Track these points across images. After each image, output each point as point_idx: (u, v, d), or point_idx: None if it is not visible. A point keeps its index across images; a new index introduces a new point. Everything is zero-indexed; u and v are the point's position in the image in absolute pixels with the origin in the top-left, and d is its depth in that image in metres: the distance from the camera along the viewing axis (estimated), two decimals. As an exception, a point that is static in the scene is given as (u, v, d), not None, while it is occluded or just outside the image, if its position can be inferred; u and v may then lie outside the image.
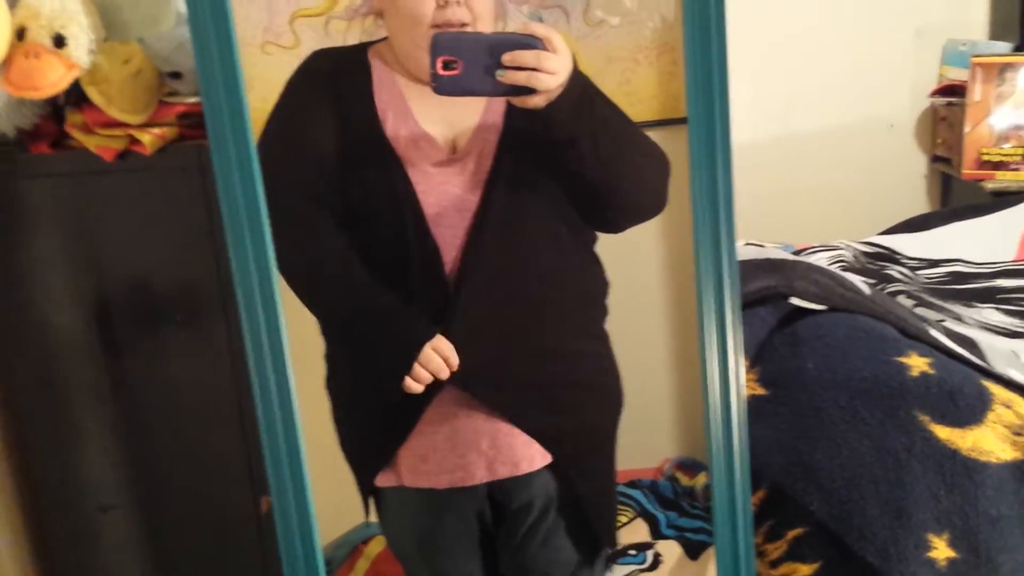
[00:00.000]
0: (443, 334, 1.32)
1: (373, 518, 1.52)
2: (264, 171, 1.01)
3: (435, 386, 1.34)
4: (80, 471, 1.80)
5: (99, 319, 1.72)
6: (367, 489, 1.46)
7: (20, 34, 1.37)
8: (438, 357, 1.30)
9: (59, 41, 1.36)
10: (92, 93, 1.51)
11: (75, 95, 1.54)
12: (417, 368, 1.29)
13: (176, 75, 1.58)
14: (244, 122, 1.04)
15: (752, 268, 1.71)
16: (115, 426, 1.77)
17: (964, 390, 1.47)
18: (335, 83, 1.36)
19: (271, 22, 2.16)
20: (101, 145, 1.58)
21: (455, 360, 1.31)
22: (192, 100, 1.60)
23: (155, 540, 1.84)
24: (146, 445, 1.78)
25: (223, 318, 1.66)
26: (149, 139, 1.56)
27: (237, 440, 1.73)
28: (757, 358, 1.59)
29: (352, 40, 2.12)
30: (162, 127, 1.59)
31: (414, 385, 1.30)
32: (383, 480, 1.43)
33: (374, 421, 1.41)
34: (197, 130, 1.62)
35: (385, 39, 1.41)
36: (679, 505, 2.39)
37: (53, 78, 1.37)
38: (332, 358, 1.46)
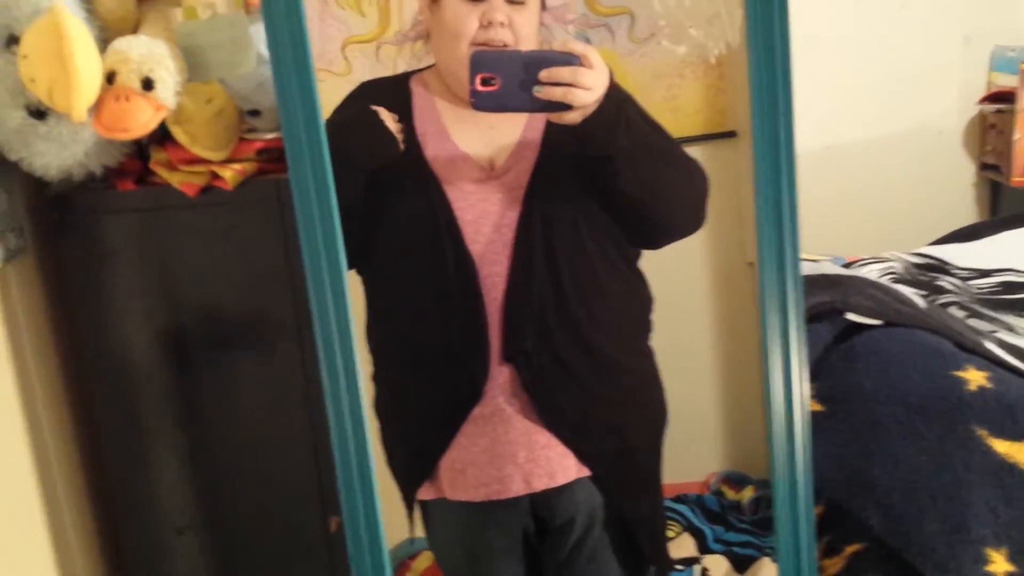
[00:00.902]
0: (486, 347, 1.32)
1: (419, 533, 1.52)
2: None
3: (473, 398, 1.34)
4: (156, 494, 1.82)
5: (177, 348, 1.75)
6: (411, 502, 1.46)
7: (110, 78, 1.41)
8: None
9: (148, 84, 1.40)
10: (176, 132, 1.55)
11: (159, 134, 1.58)
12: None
13: (255, 113, 1.62)
14: (322, 155, 1.06)
15: (808, 283, 1.69)
16: (190, 450, 1.79)
17: (1022, 403, 1.44)
18: (377, 105, 1.38)
19: (323, 49, 2.19)
20: (184, 181, 1.61)
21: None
22: (270, 136, 1.63)
23: (228, 561, 1.85)
24: (220, 468, 1.80)
25: (298, 346, 1.68)
26: (230, 175, 1.60)
27: (308, 462, 1.74)
28: (814, 374, 1.57)
29: (402, 65, 2.15)
30: (242, 163, 1.62)
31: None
32: (425, 493, 1.43)
33: (417, 434, 1.42)
34: (275, 164, 1.64)
35: (430, 67, 1.43)
36: (726, 519, 2.36)
37: (143, 120, 1.40)
38: (379, 378, 1.46)
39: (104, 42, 1.48)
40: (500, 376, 1.33)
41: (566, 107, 1.16)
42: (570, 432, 1.36)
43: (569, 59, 1.16)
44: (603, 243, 1.36)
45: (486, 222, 1.32)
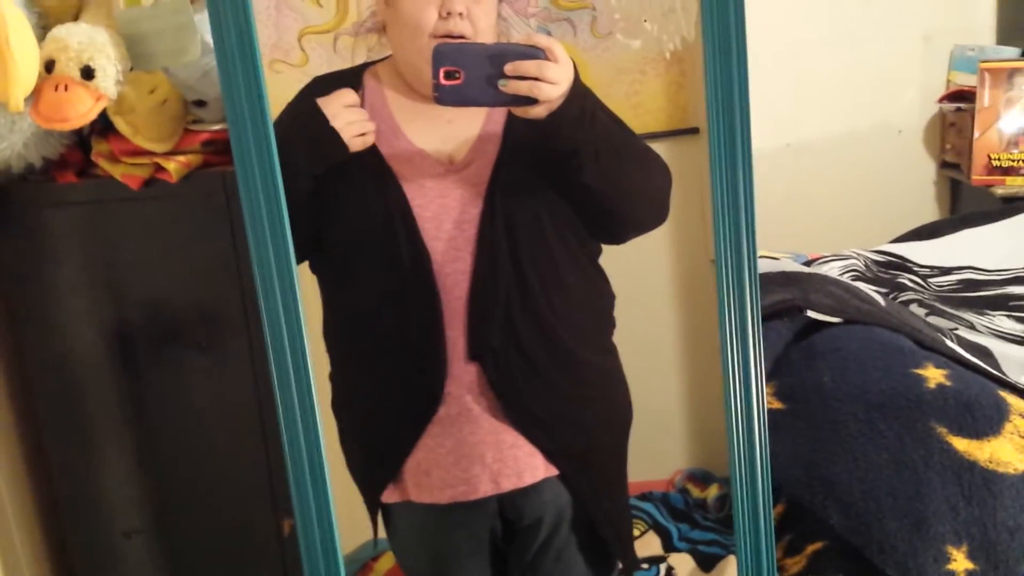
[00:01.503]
0: (448, 343, 1.31)
1: (382, 534, 1.51)
2: None
3: (433, 400, 1.32)
4: (104, 496, 1.80)
5: (123, 345, 1.72)
6: (375, 505, 1.45)
7: (49, 66, 1.38)
8: None
9: (87, 73, 1.36)
10: (119, 123, 1.52)
11: (101, 124, 1.55)
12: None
13: (201, 103, 1.59)
14: (270, 146, 1.05)
15: (766, 281, 1.70)
16: (139, 451, 1.77)
17: (981, 401, 1.46)
18: None
19: (280, 39, 2.17)
20: (127, 173, 1.58)
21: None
22: (216, 127, 1.60)
23: (179, 564, 1.83)
24: (169, 469, 1.78)
25: (246, 342, 1.66)
26: (175, 167, 1.57)
27: (260, 463, 1.72)
28: (774, 372, 1.58)
29: (360, 56, 2.13)
30: (187, 155, 1.60)
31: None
32: (389, 496, 1.42)
33: (378, 436, 1.40)
34: (221, 156, 1.62)
35: (386, 59, 1.41)
36: (691, 517, 2.38)
37: (82, 109, 1.37)
38: (337, 377, 1.45)
39: (44, 29, 1.45)
40: (466, 375, 1.32)
41: (531, 101, 1.16)
42: (537, 430, 1.36)
43: (534, 52, 1.15)
44: (566, 237, 1.36)
45: (447, 218, 1.31)
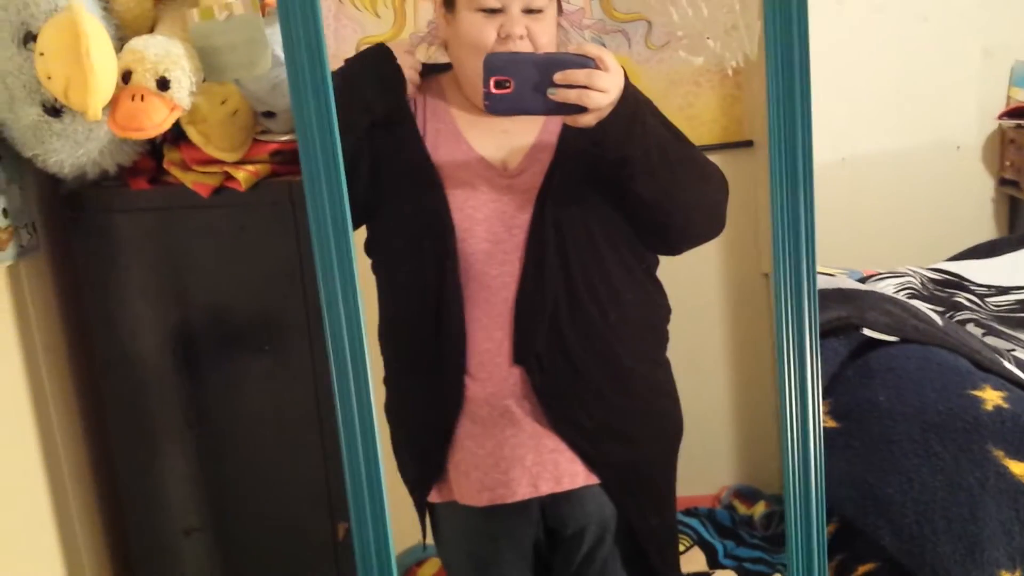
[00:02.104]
0: (499, 347, 1.32)
1: (428, 539, 1.51)
2: None
3: (456, 404, 1.33)
4: (165, 495, 1.82)
5: (189, 347, 1.74)
6: (422, 506, 1.46)
7: (126, 77, 1.41)
8: None
9: (163, 84, 1.40)
10: (191, 132, 1.55)
11: (173, 133, 1.58)
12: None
13: (270, 115, 1.61)
14: (336, 158, 1.06)
15: (823, 298, 1.68)
16: (199, 451, 1.79)
17: (1040, 425, 1.42)
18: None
19: (337, 49, 2.19)
20: (198, 181, 1.61)
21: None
22: (284, 138, 1.63)
23: (235, 563, 1.85)
24: (228, 470, 1.80)
25: (308, 347, 1.68)
26: (244, 176, 1.59)
27: (317, 467, 1.74)
28: (829, 390, 1.57)
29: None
30: (256, 164, 1.62)
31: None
32: (435, 496, 1.42)
33: (422, 435, 1.41)
34: (288, 166, 1.64)
35: (449, 67, 1.42)
36: (737, 534, 2.34)
37: (157, 119, 1.40)
38: (390, 380, 1.46)
39: (120, 41, 1.48)
40: (510, 378, 1.32)
41: (581, 109, 1.16)
42: (580, 437, 1.35)
43: (584, 61, 1.15)
44: (619, 248, 1.35)
45: (498, 222, 1.31)
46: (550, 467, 1.35)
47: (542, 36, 1.29)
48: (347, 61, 1.37)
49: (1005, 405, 1.45)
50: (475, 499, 1.37)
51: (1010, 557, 1.36)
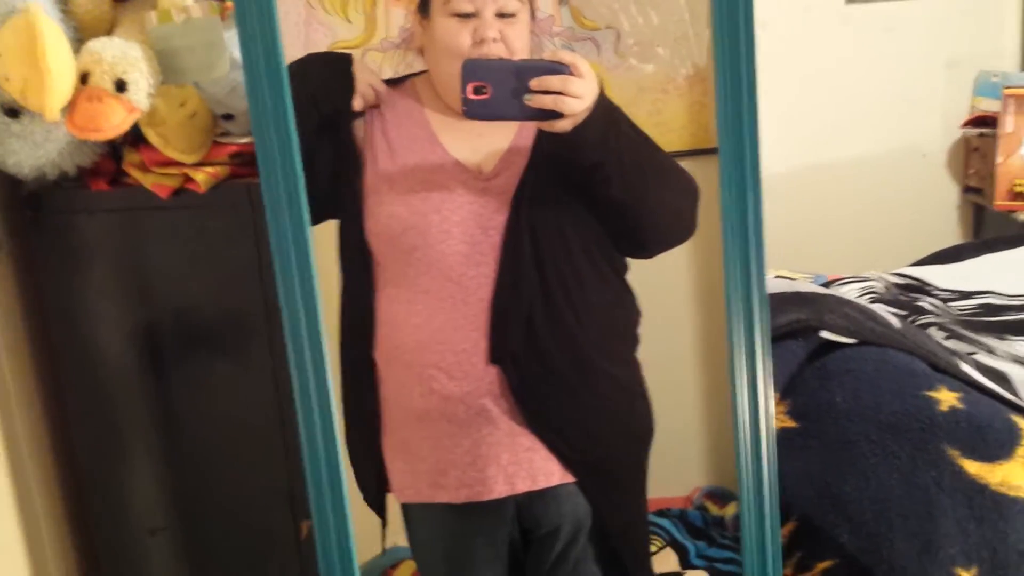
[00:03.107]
0: (476, 347, 1.35)
1: (398, 542, 1.53)
2: None
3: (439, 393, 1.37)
4: (129, 495, 1.84)
5: (150, 348, 1.76)
6: (380, 507, 1.49)
7: (84, 78, 1.43)
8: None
9: (121, 86, 1.42)
10: (150, 134, 1.57)
11: (132, 135, 1.60)
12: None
13: (229, 117, 1.64)
14: (293, 161, 1.08)
15: (782, 301, 1.72)
16: (163, 451, 1.80)
17: (993, 424, 1.46)
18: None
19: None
20: (157, 183, 1.63)
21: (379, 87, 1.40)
22: (243, 140, 1.65)
23: (200, 562, 1.87)
24: (192, 470, 1.82)
25: (268, 349, 1.70)
26: (203, 177, 1.62)
27: (279, 466, 1.76)
28: (787, 391, 1.60)
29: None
30: (215, 166, 1.64)
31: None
32: (407, 496, 1.45)
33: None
34: (248, 168, 1.66)
35: (423, 73, 1.46)
36: (708, 535, 2.38)
37: (115, 121, 1.42)
38: (356, 383, 1.49)
39: (79, 42, 1.50)
40: (487, 377, 1.35)
41: (557, 115, 1.19)
42: (554, 436, 1.38)
43: (559, 68, 1.18)
44: (591, 252, 1.39)
45: (474, 224, 1.34)
46: (526, 465, 1.38)
47: (515, 40, 1.33)
48: (310, 54, 1.41)
49: (960, 406, 1.49)
50: (452, 496, 1.40)
51: (965, 554, 1.39)
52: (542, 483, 1.39)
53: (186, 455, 1.81)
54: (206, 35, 1.45)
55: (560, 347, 1.36)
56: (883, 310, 1.83)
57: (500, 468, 1.38)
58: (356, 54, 2.16)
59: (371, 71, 1.40)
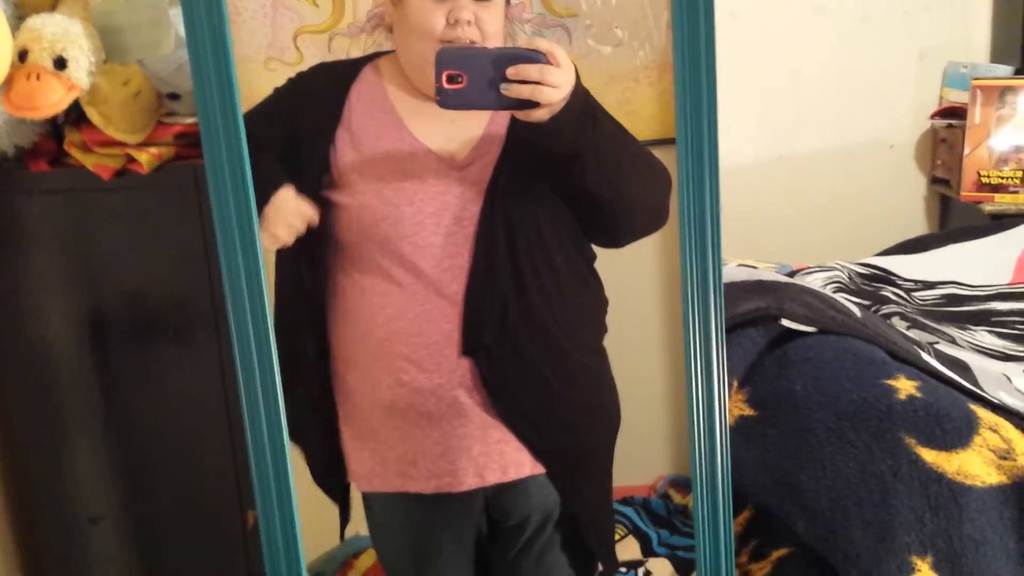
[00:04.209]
0: (448, 339, 1.36)
1: (363, 531, 1.54)
2: None
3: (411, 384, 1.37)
4: (71, 482, 1.83)
5: (93, 333, 1.76)
6: (334, 492, 1.50)
7: (22, 56, 1.42)
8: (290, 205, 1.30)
9: (60, 63, 1.41)
10: (91, 113, 1.56)
11: (74, 115, 1.59)
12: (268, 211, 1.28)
13: (174, 96, 1.63)
14: (239, 141, 1.08)
15: (743, 289, 1.74)
16: (106, 438, 1.80)
17: (951, 414, 1.49)
18: (312, 98, 1.40)
19: (275, 38, 2.20)
20: (99, 164, 1.62)
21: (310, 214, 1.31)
22: (189, 120, 1.64)
23: (143, 552, 1.87)
24: (136, 458, 1.82)
25: (215, 334, 1.70)
26: (146, 158, 1.61)
27: (225, 454, 1.76)
28: (746, 379, 1.62)
29: (355, 56, 2.17)
30: (159, 147, 1.63)
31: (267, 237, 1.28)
32: (373, 485, 1.46)
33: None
34: (193, 149, 1.66)
35: (389, 53, 1.45)
36: (671, 523, 2.41)
37: (53, 99, 1.41)
38: (313, 370, 1.48)
39: (19, 19, 1.49)
40: (459, 369, 1.36)
41: (534, 105, 1.19)
42: (525, 427, 1.40)
43: (536, 56, 1.18)
44: (564, 241, 1.40)
45: (447, 214, 1.35)
46: (496, 457, 1.40)
47: (490, 24, 1.33)
48: (256, 118, 1.37)
49: (918, 395, 1.51)
50: (422, 486, 1.41)
51: (921, 543, 1.42)
52: (512, 475, 1.41)
53: (130, 443, 1.80)
54: (151, 12, 1.45)
55: (533, 337, 1.38)
56: (846, 299, 1.86)
57: (471, 460, 1.39)
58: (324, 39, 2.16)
59: (296, 203, 1.33)
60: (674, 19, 0.99)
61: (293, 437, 1.48)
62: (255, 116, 1.39)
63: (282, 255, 1.44)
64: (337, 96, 1.41)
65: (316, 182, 1.37)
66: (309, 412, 1.47)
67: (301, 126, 1.39)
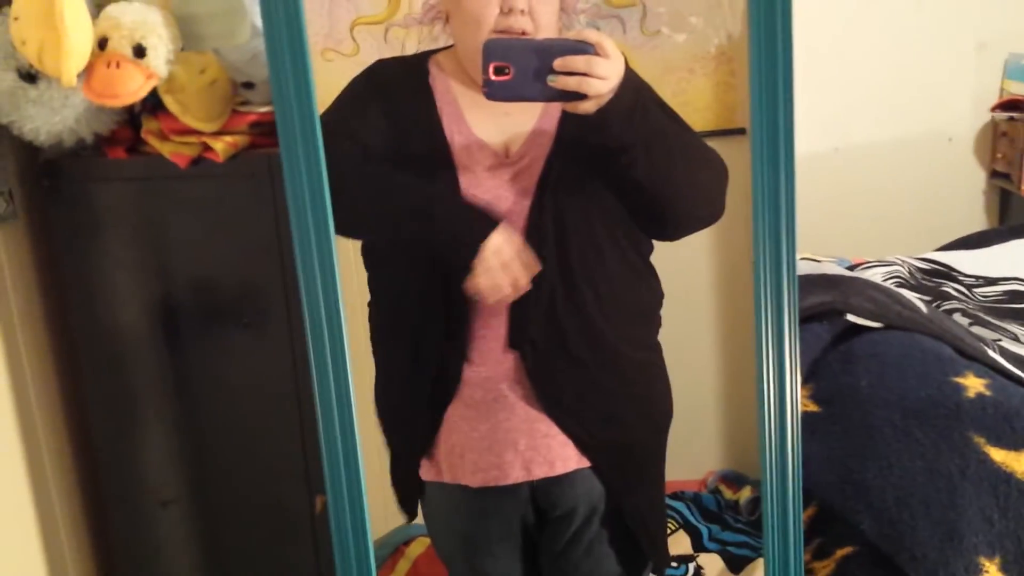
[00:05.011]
0: (495, 332, 1.32)
1: (415, 520, 1.52)
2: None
3: (459, 369, 1.34)
4: (142, 466, 1.84)
5: (166, 320, 1.76)
6: (408, 486, 1.47)
7: (102, 44, 1.42)
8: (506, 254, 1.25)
9: (139, 51, 1.40)
10: (168, 101, 1.55)
11: (151, 103, 1.58)
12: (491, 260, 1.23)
13: (249, 85, 1.62)
14: (314, 130, 1.06)
15: (808, 283, 1.69)
16: (177, 423, 1.80)
17: (1021, 412, 1.44)
18: (393, 89, 1.37)
19: (332, 29, 2.19)
20: (175, 152, 1.61)
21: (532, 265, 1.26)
22: (264, 109, 1.63)
23: (211, 535, 1.87)
24: (206, 443, 1.82)
25: (286, 322, 1.69)
26: (222, 147, 1.60)
27: (295, 440, 1.75)
28: (811, 375, 1.58)
29: (410, 47, 2.15)
30: (234, 135, 1.62)
31: (485, 286, 1.24)
32: (425, 473, 1.44)
33: (418, 413, 1.41)
34: (267, 139, 1.65)
35: (445, 48, 1.43)
36: (722, 518, 2.37)
37: (133, 87, 1.41)
38: (381, 361, 1.47)
39: (98, 8, 1.49)
40: (505, 363, 1.34)
41: (581, 96, 1.15)
42: (571, 421, 1.37)
43: (584, 47, 1.14)
44: (615, 234, 1.36)
45: (498, 208, 1.32)
46: (543, 451, 1.37)
47: (544, 14, 1.29)
48: (340, 106, 1.35)
49: (987, 393, 1.47)
50: (468, 480, 1.39)
51: (989, 544, 1.37)
52: (559, 469, 1.38)
53: (201, 428, 1.80)
54: (227, 1, 1.44)
55: (580, 332, 1.35)
56: (908, 295, 1.80)
57: (517, 454, 1.37)
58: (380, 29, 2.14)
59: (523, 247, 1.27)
60: (750, 4, 0.94)
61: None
62: (345, 115, 1.36)
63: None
64: (424, 86, 1.38)
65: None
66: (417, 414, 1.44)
67: (399, 118, 1.36)
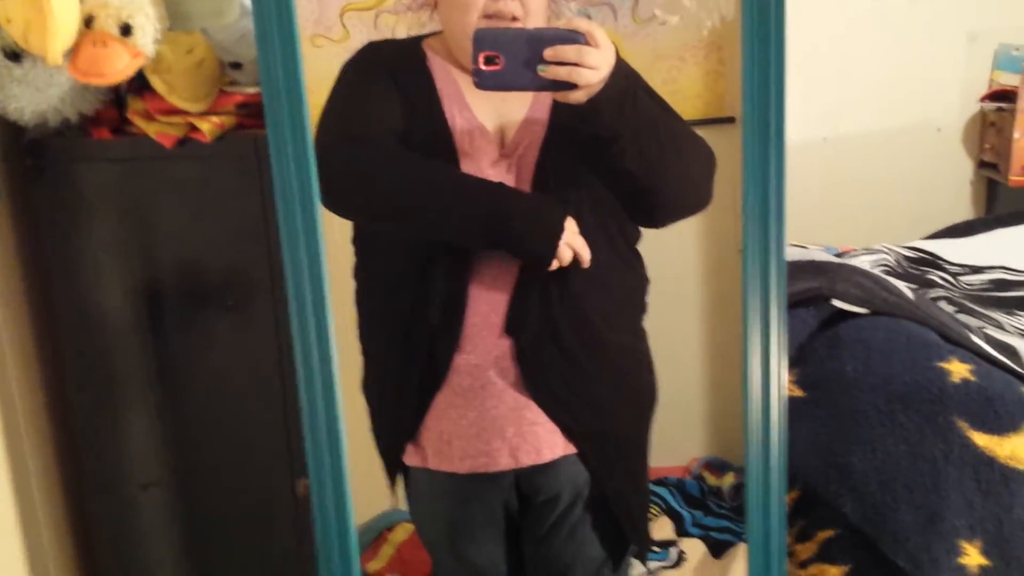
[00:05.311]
0: (487, 319, 1.32)
1: (399, 505, 1.52)
2: (327, 150, 1.02)
3: (450, 353, 1.34)
4: (124, 449, 1.83)
5: (150, 301, 1.75)
6: (393, 465, 1.47)
7: (88, 22, 1.40)
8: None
9: (126, 30, 1.39)
10: (155, 81, 1.54)
11: (137, 83, 1.57)
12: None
13: (237, 65, 1.61)
14: (302, 112, 1.05)
15: (795, 269, 1.70)
16: (159, 406, 1.80)
17: (1004, 397, 1.45)
18: (394, 71, 1.36)
19: (321, 15, 2.18)
20: (161, 132, 1.60)
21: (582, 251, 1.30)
22: (251, 90, 1.62)
23: (193, 518, 1.87)
24: (189, 426, 1.81)
25: (271, 305, 1.68)
26: (208, 127, 1.59)
27: (279, 424, 1.75)
28: (797, 360, 1.58)
29: (400, 33, 2.13)
30: (221, 116, 1.61)
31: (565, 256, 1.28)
32: (410, 459, 1.44)
33: (406, 399, 1.41)
34: (255, 119, 1.64)
35: (437, 33, 1.42)
36: (705, 504, 2.39)
37: (119, 66, 1.39)
38: (370, 347, 1.46)
39: (84, -15, 1.47)
40: (495, 350, 1.34)
41: (571, 86, 1.15)
42: (559, 409, 1.37)
43: (574, 37, 1.14)
44: (605, 220, 1.37)
45: None
46: (530, 439, 1.37)
47: (533, 1, 1.29)
48: (340, 93, 1.35)
49: (972, 378, 1.47)
50: (456, 466, 1.39)
51: (970, 527, 1.38)
52: (546, 456, 1.38)
53: (184, 411, 1.80)
54: (214, -20, 1.42)
55: (569, 318, 1.35)
56: (895, 281, 1.81)
57: (505, 441, 1.37)
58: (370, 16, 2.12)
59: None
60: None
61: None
62: (360, 99, 1.35)
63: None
64: (423, 67, 1.37)
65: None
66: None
67: (403, 100, 1.35)
